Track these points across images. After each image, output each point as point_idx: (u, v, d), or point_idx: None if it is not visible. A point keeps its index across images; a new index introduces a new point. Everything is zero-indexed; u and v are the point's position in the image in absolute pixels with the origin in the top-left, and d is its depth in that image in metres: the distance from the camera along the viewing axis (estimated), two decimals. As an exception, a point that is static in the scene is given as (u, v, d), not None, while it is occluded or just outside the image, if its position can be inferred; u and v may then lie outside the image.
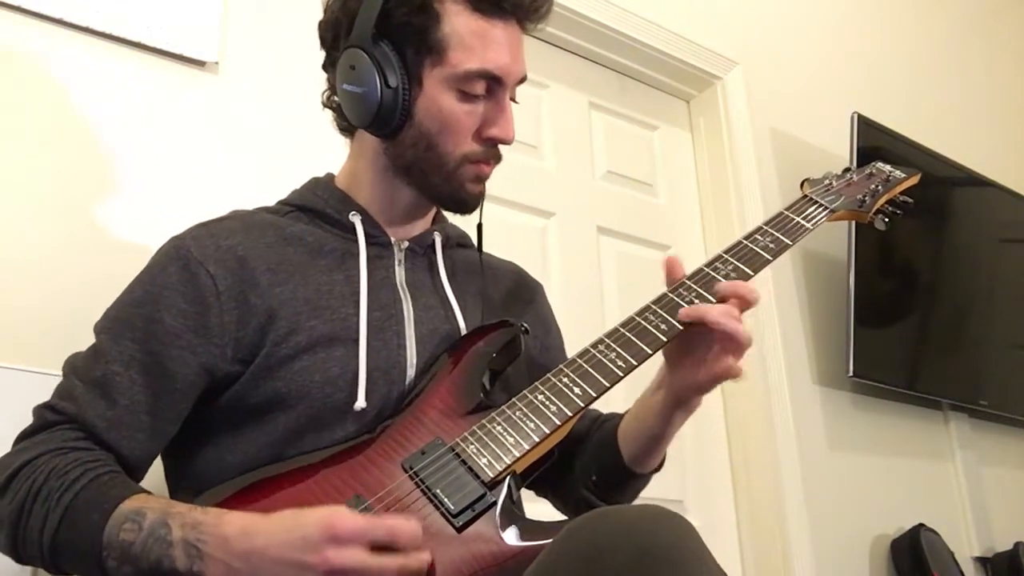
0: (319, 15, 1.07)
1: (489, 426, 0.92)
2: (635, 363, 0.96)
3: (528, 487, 1.04)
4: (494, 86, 1.01)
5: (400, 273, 1.07)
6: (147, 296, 0.96)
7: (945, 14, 3.25)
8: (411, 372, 1.01)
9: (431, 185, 1.04)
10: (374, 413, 0.97)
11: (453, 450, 0.90)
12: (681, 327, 0.98)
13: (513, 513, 0.88)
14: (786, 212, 1.11)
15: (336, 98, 1.06)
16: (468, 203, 1.05)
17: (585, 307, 2.04)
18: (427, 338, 1.03)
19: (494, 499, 0.87)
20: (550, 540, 0.80)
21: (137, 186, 1.43)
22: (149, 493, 0.87)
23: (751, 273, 1.02)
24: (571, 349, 1.00)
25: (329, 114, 1.11)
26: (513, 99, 1.05)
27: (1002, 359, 2.74)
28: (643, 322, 0.99)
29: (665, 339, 0.97)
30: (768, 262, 1.05)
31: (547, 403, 0.93)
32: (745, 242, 1.06)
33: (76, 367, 0.94)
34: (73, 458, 0.87)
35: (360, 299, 1.00)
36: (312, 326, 0.97)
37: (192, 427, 0.97)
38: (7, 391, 1.15)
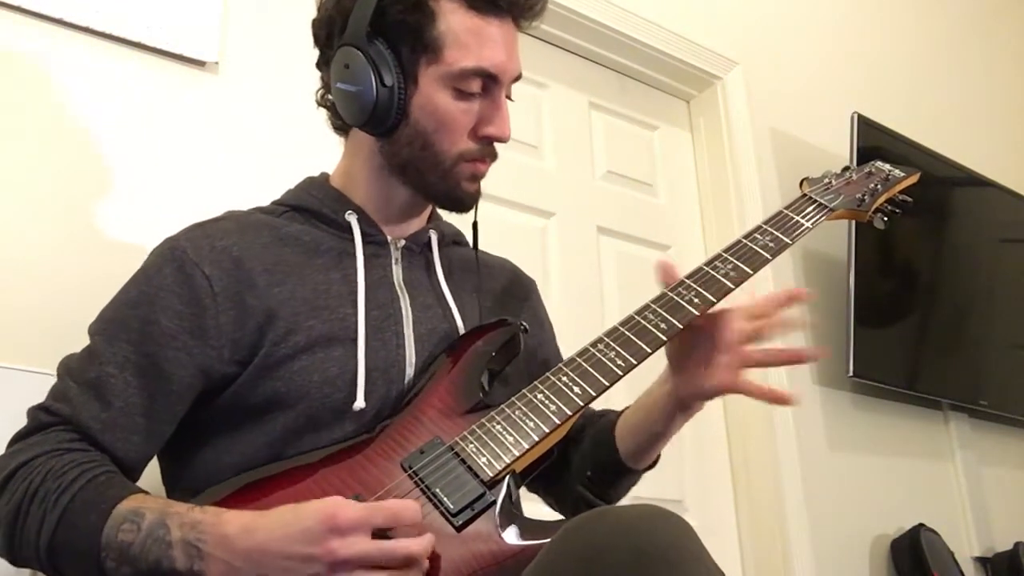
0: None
1: (488, 425, 0.92)
2: (634, 362, 0.96)
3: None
4: (490, 84, 1.01)
5: (397, 272, 1.07)
6: (142, 297, 0.95)
7: (945, 14, 3.25)
8: (410, 371, 1.01)
9: (427, 184, 1.04)
10: (373, 413, 0.96)
11: (452, 449, 0.90)
12: (681, 326, 0.98)
13: (512, 512, 0.88)
14: (785, 211, 1.11)
15: (330, 97, 1.05)
16: (464, 202, 1.05)
17: (585, 307, 2.04)
18: (425, 337, 1.03)
19: (493, 498, 0.87)
20: (549, 540, 0.80)
21: (137, 186, 1.43)
22: (147, 493, 0.87)
23: (750, 272, 1.03)
24: (571, 349, 1.00)
25: (325, 113, 1.11)
26: (509, 97, 1.04)
27: (1002, 359, 2.74)
28: (643, 321, 0.99)
29: (665, 338, 0.97)
30: (767, 261, 1.05)
31: (546, 402, 0.93)
32: (744, 241, 1.06)
33: (70, 368, 0.93)
34: (69, 459, 0.86)
35: (358, 298, 1.00)
36: (310, 326, 0.96)
37: (189, 428, 0.96)
38: (7, 391, 1.15)
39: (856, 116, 2.34)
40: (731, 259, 1.04)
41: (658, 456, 1.11)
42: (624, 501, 1.12)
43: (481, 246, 1.17)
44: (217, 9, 1.56)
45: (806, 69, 2.66)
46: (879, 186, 1.19)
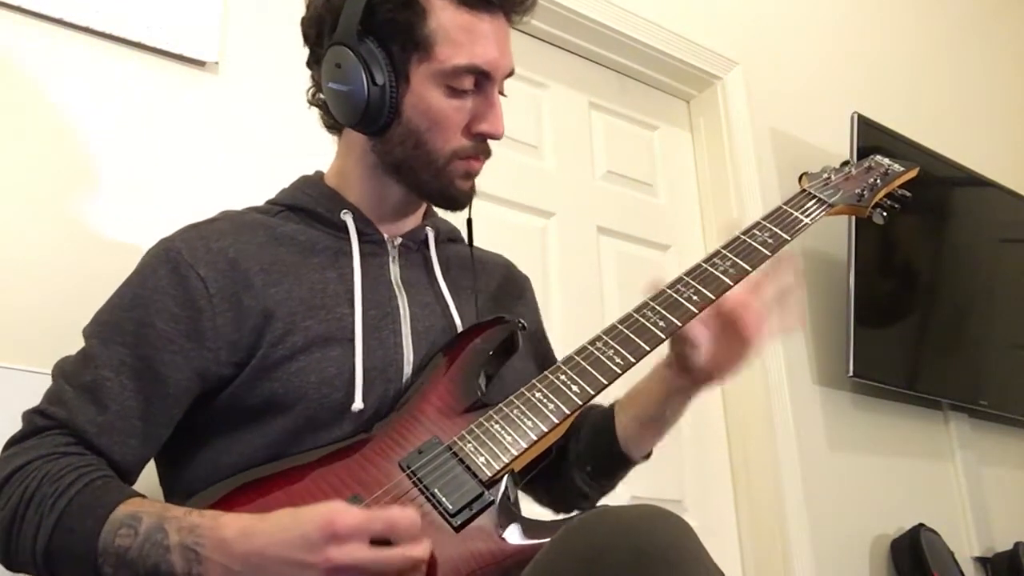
0: (318, 15, 1.06)
1: (487, 424, 0.92)
2: (633, 360, 0.96)
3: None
4: (482, 81, 1.00)
5: (394, 270, 1.06)
6: (137, 300, 0.94)
7: (945, 14, 3.25)
8: (408, 370, 1.00)
9: (421, 182, 1.03)
10: (371, 412, 0.96)
11: (451, 449, 0.90)
12: (680, 324, 0.98)
13: (511, 512, 0.88)
14: (784, 207, 1.11)
15: (322, 95, 1.05)
16: (458, 200, 1.05)
17: (585, 307, 2.04)
18: (424, 335, 1.03)
19: (492, 498, 0.87)
20: (548, 539, 0.80)
21: (137, 186, 1.43)
22: (143, 497, 0.86)
23: (749, 269, 1.02)
24: (571, 349, 1.00)
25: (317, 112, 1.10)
26: (502, 92, 1.04)
27: (1002, 359, 2.73)
28: (641, 319, 0.98)
29: (664, 336, 0.97)
30: (767, 258, 1.04)
31: (545, 401, 0.93)
32: (743, 238, 1.06)
33: (65, 371, 0.92)
34: (66, 463, 0.85)
35: (355, 298, 1.00)
36: (308, 326, 0.96)
37: (187, 431, 0.96)
38: (7, 391, 1.15)
39: (856, 116, 2.34)
40: (730, 256, 1.03)
41: (652, 449, 1.12)
42: (624, 501, 1.12)
43: (479, 244, 1.17)
44: (217, 9, 1.56)
45: (806, 69, 2.66)
46: (878, 181, 1.18)
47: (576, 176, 2.18)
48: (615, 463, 1.11)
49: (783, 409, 2.15)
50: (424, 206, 1.13)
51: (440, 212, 1.14)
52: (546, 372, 0.96)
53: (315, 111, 1.10)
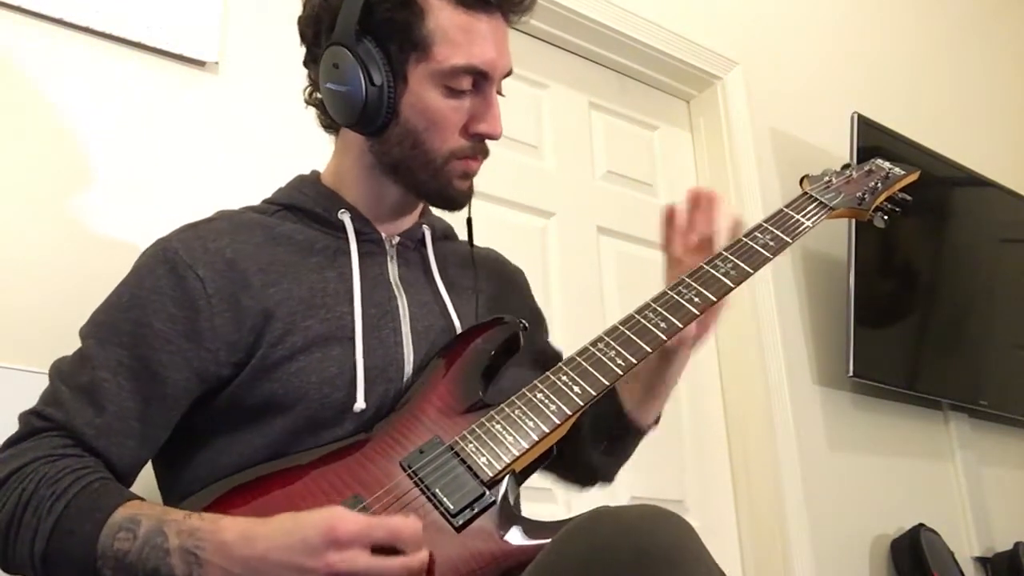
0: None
1: (488, 424, 0.91)
2: (635, 361, 0.96)
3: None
4: (480, 81, 1.00)
5: (393, 269, 1.06)
6: (135, 301, 0.94)
7: (945, 14, 3.25)
8: (408, 369, 1.00)
9: (418, 182, 1.03)
10: (372, 412, 0.96)
11: (452, 449, 0.90)
12: (681, 325, 0.98)
13: (512, 513, 0.88)
14: (786, 210, 1.11)
15: (319, 95, 1.05)
16: (456, 200, 1.04)
17: (585, 307, 2.04)
18: (423, 334, 1.03)
19: (493, 498, 0.87)
20: (549, 540, 0.80)
21: (137, 186, 1.43)
22: (142, 499, 0.85)
23: (751, 271, 1.03)
24: (571, 349, 1.00)
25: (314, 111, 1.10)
26: (500, 93, 1.04)
27: (1002, 359, 2.73)
28: (643, 320, 0.99)
29: (665, 337, 0.97)
30: (768, 260, 1.05)
31: (546, 402, 0.93)
32: (745, 240, 1.06)
33: (62, 372, 0.92)
34: (63, 465, 0.85)
35: (354, 297, 0.99)
36: (308, 326, 0.96)
37: (185, 432, 0.95)
38: (7, 391, 1.15)
39: (856, 116, 2.34)
40: (731, 258, 1.04)
41: (659, 415, 1.15)
42: (624, 502, 1.13)
43: (475, 243, 1.16)
44: (217, 9, 1.56)
45: (806, 69, 2.66)
46: (879, 184, 1.18)
47: (576, 176, 2.18)
48: (628, 435, 1.13)
49: (783, 409, 2.15)
50: (421, 205, 1.13)
51: (438, 212, 1.14)
52: (547, 372, 0.96)
53: (314, 111, 1.10)
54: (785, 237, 1.07)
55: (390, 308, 1.02)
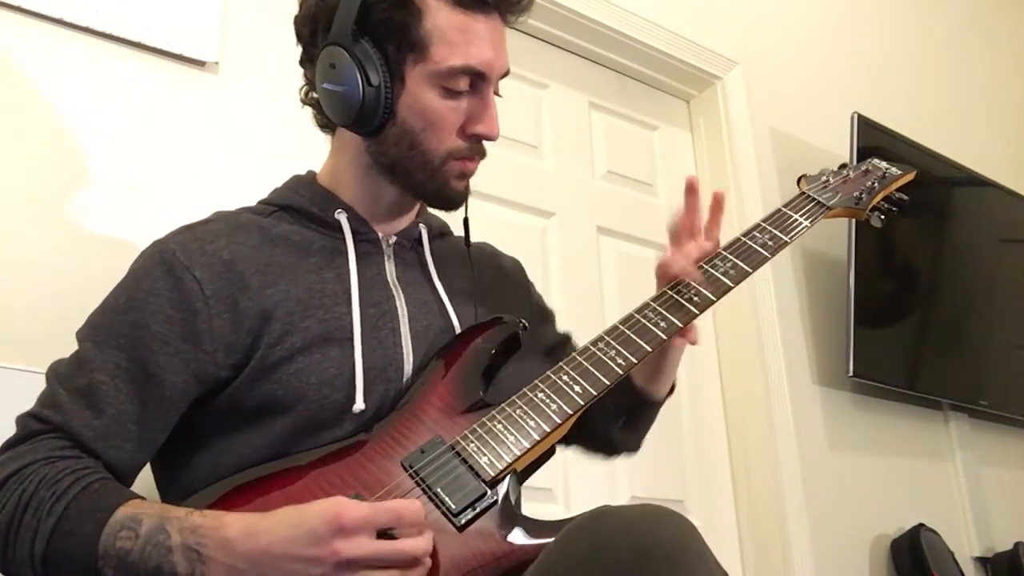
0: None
1: (489, 424, 0.91)
2: (635, 360, 0.96)
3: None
4: (478, 82, 1.00)
5: (390, 269, 1.06)
6: (132, 303, 0.93)
7: (945, 14, 3.26)
8: (408, 370, 1.00)
9: (415, 183, 1.03)
10: (372, 413, 0.96)
11: (453, 448, 0.90)
12: (681, 325, 0.98)
13: (513, 512, 0.88)
14: (783, 209, 1.12)
15: (315, 95, 1.04)
16: (453, 200, 1.04)
17: (585, 307, 2.04)
18: (422, 334, 1.03)
19: (495, 498, 0.87)
20: (550, 539, 0.80)
21: (137, 186, 1.43)
22: (143, 499, 0.85)
23: (749, 271, 1.03)
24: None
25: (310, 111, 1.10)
26: (497, 93, 1.04)
27: (1002, 359, 2.74)
28: (643, 319, 0.99)
29: (665, 337, 0.97)
30: (767, 259, 1.05)
31: (547, 401, 0.93)
32: (743, 239, 1.07)
33: (60, 375, 0.92)
34: (63, 467, 0.84)
35: (352, 297, 0.99)
36: (306, 327, 0.96)
37: (184, 434, 0.95)
38: (7, 391, 1.15)
39: (856, 116, 2.34)
40: (730, 257, 1.04)
41: (674, 384, 1.16)
42: (625, 501, 1.13)
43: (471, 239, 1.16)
44: (217, 9, 1.56)
45: (806, 69, 2.66)
46: (876, 184, 1.19)
47: (576, 176, 2.18)
48: (645, 409, 1.15)
49: (783, 409, 2.15)
50: (417, 205, 1.13)
51: (434, 212, 1.14)
52: (548, 372, 0.96)
53: (310, 110, 1.10)
54: (783, 236, 1.07)
55: (388, 308, 1.02)
